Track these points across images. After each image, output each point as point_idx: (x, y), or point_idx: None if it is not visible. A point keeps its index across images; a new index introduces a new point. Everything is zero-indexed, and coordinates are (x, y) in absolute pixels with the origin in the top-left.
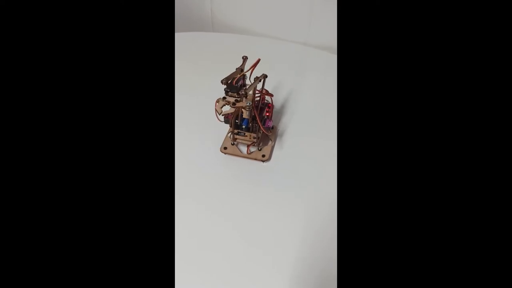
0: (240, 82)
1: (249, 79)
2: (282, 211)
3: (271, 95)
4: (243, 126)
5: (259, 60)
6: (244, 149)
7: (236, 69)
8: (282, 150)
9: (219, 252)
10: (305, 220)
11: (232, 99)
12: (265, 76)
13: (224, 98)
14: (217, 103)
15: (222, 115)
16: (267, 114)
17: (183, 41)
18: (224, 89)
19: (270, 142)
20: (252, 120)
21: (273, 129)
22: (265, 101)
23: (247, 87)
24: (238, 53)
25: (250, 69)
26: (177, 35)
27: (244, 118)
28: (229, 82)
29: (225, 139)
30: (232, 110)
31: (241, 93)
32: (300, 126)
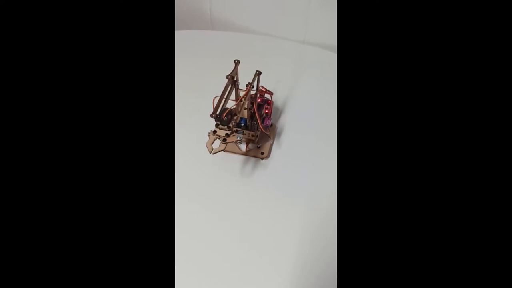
0: (229, 116)
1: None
2: (282, 211)
3: (271, 93)
4: (242, 124)
5: (249, 89)
6: (242, 147)
7: (227, 76)
8: (281, 148)
9: (218, 252)
10: (305, 219)
11: (222, 133)
12: (259, 73)
13: (214, 132)
14: (209, 138)
15: (213, 153)
16: (266, 111)
17: (181, 39)
18: (215, 120)
19: (269, 140)
20: (251, 118)
21: (272, 127)
22: (265, 98)
23: (243, 98)
24: (236, 51)
25: (242, 98)
26: (176, 33)
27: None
28: (218, 115)
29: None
30: (223, 146)
31: (231, 125)
32: (299, 124)
